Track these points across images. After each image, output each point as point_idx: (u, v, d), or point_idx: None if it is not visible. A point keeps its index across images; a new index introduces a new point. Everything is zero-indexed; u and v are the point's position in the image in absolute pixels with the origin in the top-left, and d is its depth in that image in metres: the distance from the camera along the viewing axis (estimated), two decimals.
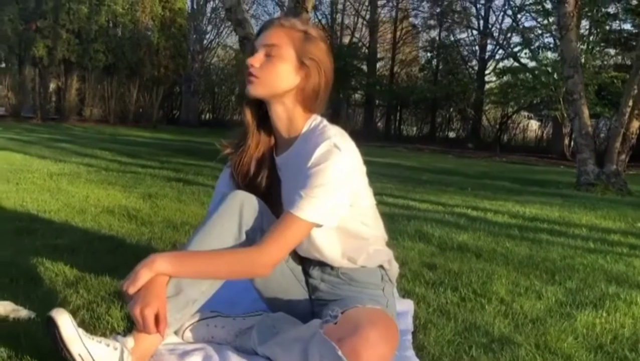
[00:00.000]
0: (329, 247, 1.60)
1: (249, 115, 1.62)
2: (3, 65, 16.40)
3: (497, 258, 2.98)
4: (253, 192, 1.60)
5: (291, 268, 1.69)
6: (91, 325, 1.74)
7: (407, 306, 2.05)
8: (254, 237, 1.51)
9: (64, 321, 1.32)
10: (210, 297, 1.54)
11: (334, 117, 23.53)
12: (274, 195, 1.63)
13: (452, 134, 23.53)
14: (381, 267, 1.70)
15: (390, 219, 3.84)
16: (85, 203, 3.81)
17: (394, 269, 1.75)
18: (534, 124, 22.79)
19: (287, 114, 1.56)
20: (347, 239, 1.60)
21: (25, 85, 16.20)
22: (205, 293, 1.50)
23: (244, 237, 1.52)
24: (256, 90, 1.52)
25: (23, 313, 1.77)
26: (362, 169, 1.58)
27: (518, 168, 11.18)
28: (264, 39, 1.51)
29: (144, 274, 1.37)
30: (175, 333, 1.65)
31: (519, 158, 13.92)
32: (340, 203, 1.48)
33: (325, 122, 1.57)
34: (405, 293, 2.25)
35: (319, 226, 1.48)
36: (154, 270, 1.38)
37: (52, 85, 17.22)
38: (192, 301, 1.47)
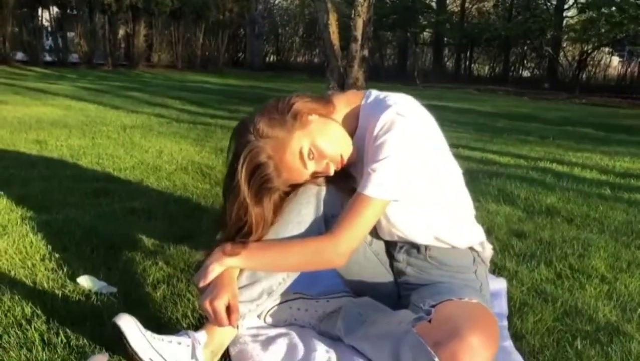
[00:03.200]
0: (411, 224, 1.47)
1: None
2: (74, 12, 16.67)
3: (591, 224, 2.76)
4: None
5: (375, 251, 1.57)
6: (172, 302, 1.71)
7: (499, 285, 1.91)
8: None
9: (131, 328, 1.27)
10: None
11: (401, 56, 22.81)
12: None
13: (526, 73, 22.35)
14: (472, 248, 1.56)
15: (470, 177, 3.62)
16: (158, 159, 3.81)
17: (487, 251, 1.60)
18: (615, 60, 21.27)
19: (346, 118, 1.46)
20: (430, 214, 1.47)
21: (96, 32, 16.47)
22: (284, 283, 1.42)
23: (323, 224, 1.42)
24: (339, 165, 1.42)
25: (106, 288, 1.76)
26: (436, 131, 1.43)
27: (601, 111, 10.48)
28: (293, 161, 1.37)
29: (214, 269, 1.31)
30: (258, 316, 1.59)
31: (601, 100, 13.00)
32: (411, 173, 1.35)
33: (382, 93, 1.44)
34: (495, 269, 2.10)
35: (395, 201, 1.36)
36: (224, 264, 1.32)
37: (121, 32, 17.42)
38: (268, 292, 1.40)
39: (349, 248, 1.35)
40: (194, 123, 5.80)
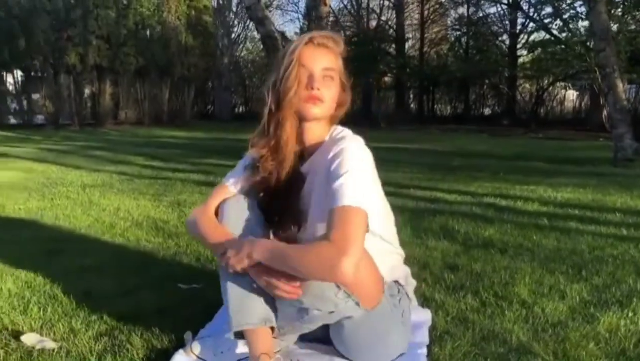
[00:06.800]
0: None
1: (289, 129, 1.57)
2: (39, 74, 16.82)
3: (523, 253, 2.93)
4: (270, 196, 1.63)
5: None
6: (112, 353, 1.80)
7: (424, 316, 2.03)
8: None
9: None
10: None
11: (365, 101, 23.35)
12: (292, 203, 1.63)
13: (487, 111, 23.06)
14: (397, 282, 1.70)
15: (415, 215, 3.81)
16: (115, 217, 3.90)
17: (411, 285, 1.76)
18: (571, 94, 22.11)
19: (320, 129, 1.61)
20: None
21: (61, 93, 16.60)
22: None
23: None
24: (321, 112, 1.56)
25: (48, 344, 1.84)
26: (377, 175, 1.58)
27: (554, 145, 10.90)
28: (323, 62, 1.54)
29: (245, 261, 1.44)
30: None
31: (556, 133, 13.51)
32: (371, 184, 1.49)
33: (345, 130, 1.63)
34: (424, 300, 2.24)
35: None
36: (253, 260, 1.43)
37: (86, 91, 17.60)
38: None
39: (356, 262, 1.35)
40: (155, 178, 5.91)
